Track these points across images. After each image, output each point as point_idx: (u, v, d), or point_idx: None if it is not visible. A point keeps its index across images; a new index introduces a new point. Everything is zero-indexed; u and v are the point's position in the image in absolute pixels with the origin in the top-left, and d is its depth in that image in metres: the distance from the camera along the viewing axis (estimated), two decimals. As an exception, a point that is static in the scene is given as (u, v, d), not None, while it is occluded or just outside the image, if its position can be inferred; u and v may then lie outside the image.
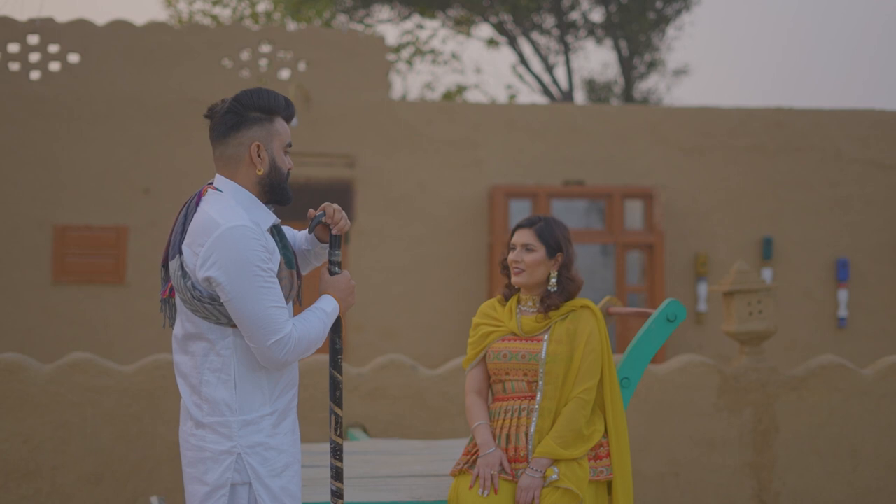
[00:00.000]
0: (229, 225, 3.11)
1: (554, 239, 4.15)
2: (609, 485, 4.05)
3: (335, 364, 3.43)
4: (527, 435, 4.00)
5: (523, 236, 4.17)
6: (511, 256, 4.19)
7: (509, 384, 4.10)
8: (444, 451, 4.91)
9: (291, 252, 3.35)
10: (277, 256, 3.23)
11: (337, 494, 3.46)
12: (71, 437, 5.95)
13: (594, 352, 4.04)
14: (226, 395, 3.17)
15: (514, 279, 4.18)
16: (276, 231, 3.33)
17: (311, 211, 3.48)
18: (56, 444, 5.94)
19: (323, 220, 3.44)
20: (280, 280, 3.21)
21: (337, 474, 3.43)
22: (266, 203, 3.33)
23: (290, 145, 3.36)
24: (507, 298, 4.27)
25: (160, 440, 6.00)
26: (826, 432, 6.37)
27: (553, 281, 4.14)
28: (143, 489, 5.96)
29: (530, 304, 4.19)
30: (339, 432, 3.41)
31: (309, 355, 3.28)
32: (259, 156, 3.26)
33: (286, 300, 3.24)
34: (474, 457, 4.04)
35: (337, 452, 3.42)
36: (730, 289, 6.30)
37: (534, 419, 4.01)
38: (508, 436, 4.03)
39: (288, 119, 3.37)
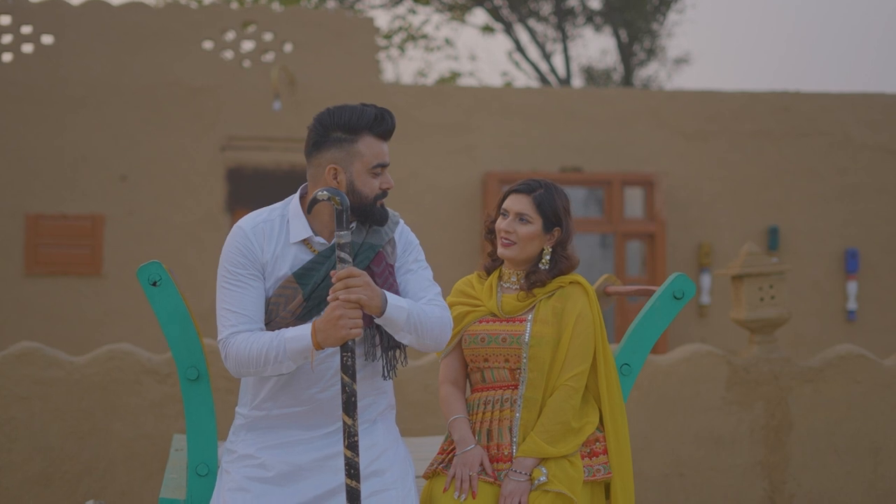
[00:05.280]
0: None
1: (553, 211, 3.57)
2: (607, 486, 3.51)
3: (345, 367, 2.88)
4: (510, 430, 3.47)
5: (519, 203, 3.58)
6: (501, 224, 3.60)
7: (489, 372, 3.54)
8: (420, 449, 4.39)
9: (322, 276, 3.00)
10: (281, 269, 3.01)
11: None
12: (17, 434, 5.45)
13: (585, 332, 3.48)
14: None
15: (501, 251, 3.61)
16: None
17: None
18: (1, 442, 5.44)
19: (319, 196, 2.89)
20: (274, 292, 3.01)
21: (352, 497, 2.86)
22: (354, 221, 3.07)
23: (381, 165, 3.03)
24: (488, 272, 3.71)
25: (115, 437, 5.50)
26: (844, 428, 5.90)
27: (546, 258, 3.60)
28: (96, 491, 5.46)
29: (514, 279, 3.63)
30: (349, 444, 2.86)
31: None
32: (336, 179, 3.01)
33: (277, 315, 3.00)
34: (450, 455, 3.50)
35: (350, 470, 2.86)
36: (739, 272, 5.82)
37: (517, 412, 3.48)
38: (490, 431, 3.48)
39: (382, 136, 3.03)
